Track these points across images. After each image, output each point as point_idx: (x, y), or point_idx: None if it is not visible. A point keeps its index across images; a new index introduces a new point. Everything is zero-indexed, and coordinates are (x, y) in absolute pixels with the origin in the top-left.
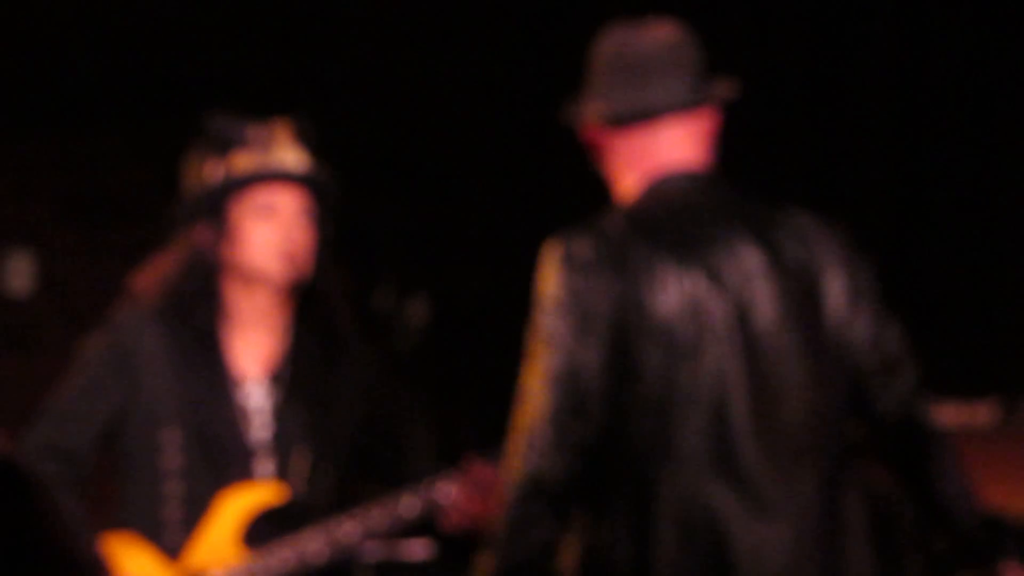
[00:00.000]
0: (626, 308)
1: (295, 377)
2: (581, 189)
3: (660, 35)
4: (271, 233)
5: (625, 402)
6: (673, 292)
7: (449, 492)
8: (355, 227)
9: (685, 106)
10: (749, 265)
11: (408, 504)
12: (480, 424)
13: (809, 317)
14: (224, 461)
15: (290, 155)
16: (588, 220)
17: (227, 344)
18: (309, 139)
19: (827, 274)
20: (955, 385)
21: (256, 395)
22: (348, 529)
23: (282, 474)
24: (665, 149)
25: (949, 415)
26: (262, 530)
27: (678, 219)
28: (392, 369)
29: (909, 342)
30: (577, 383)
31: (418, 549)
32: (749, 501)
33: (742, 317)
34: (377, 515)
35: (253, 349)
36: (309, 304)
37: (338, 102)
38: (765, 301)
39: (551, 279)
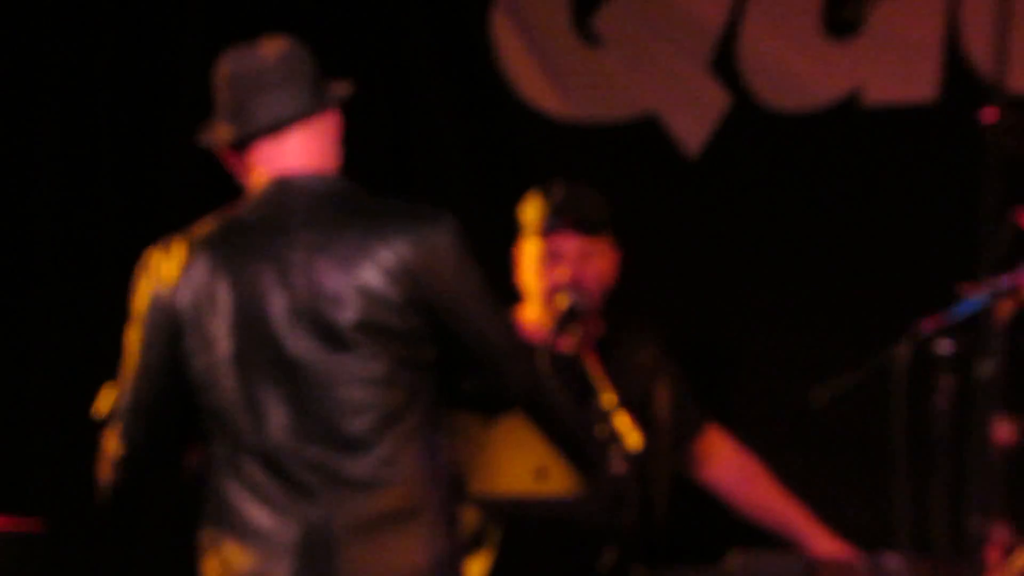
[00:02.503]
0: (194, 307)
1: None
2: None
3: (271, 51)
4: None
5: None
6: (222, 287)
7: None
8: None
9: (301, 116)
10: (289, 263)
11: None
12: None
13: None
14: None
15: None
16: (184, 229)
17: None
18: None
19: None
20: None
21: None
22: None
23: None
24: (289, 157)
25: None
26: None
27: (259, 218)
28: None
29: None
30: (147, 381)
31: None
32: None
33: (263, 307)
34: None
35: None
36: None
37: None
38: (279, 294)
39: (139, 287)
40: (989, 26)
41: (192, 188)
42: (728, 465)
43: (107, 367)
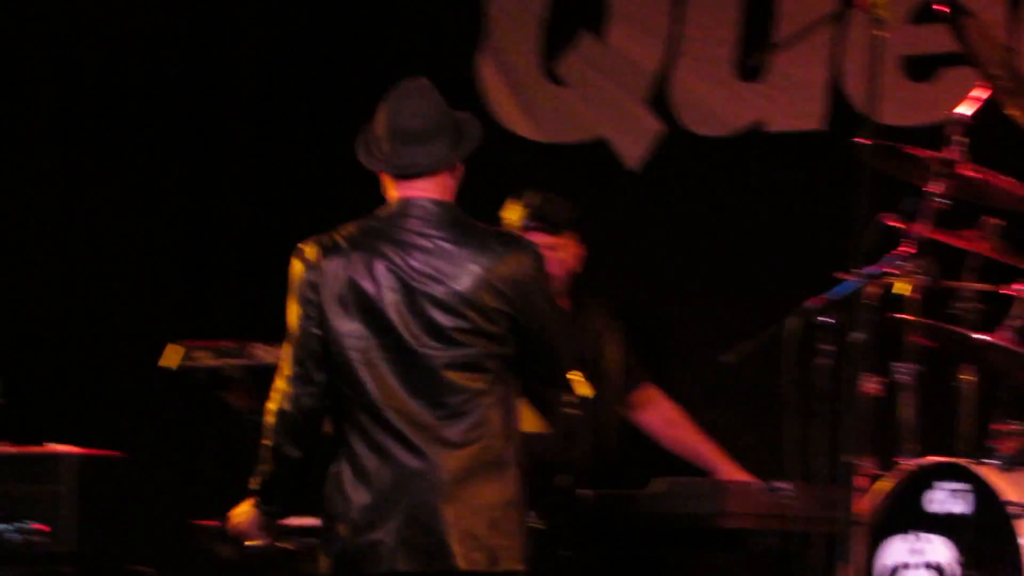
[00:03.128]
0: (326, 289)
1: None
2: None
3: (429, 108)
4: None
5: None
6: (365, 279)
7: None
8: None
9: (436, 170)
10: (413, 263)
11: None
12: None
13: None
14: None
15: None
16: (333, 227)
17: None
18: None
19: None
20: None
21: None
22: None
23: None
24: (421, 187)
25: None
26: None
27: (388, 228)
28: None
29: None
30: (306, 348)
31: None
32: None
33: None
34: None
35: None
36: None
37: None
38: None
39: (294, 272)
40: (863, 72)
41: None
42: (658, 412)
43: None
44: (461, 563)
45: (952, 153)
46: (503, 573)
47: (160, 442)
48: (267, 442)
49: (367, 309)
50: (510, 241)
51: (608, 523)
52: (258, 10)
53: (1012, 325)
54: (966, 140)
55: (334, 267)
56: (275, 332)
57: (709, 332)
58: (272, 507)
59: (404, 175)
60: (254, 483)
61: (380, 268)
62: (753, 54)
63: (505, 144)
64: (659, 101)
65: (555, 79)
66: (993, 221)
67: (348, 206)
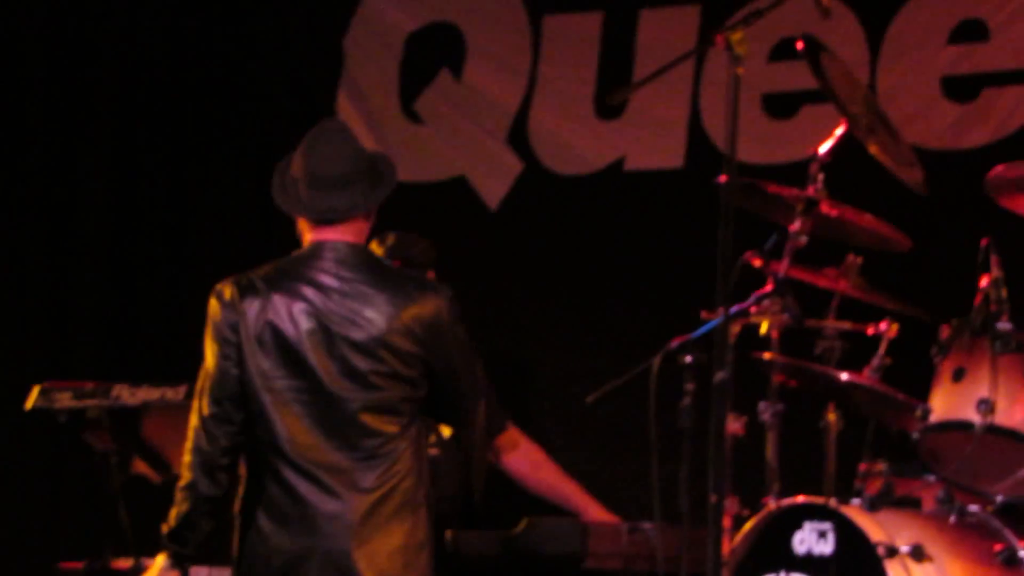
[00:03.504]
0: (245, 330)
1: None
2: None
3: (346, 155)
4: None
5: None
6: (274, 317)
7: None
8: None
9: (353, 215)
10: (315, 300)
11: None
12: None
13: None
14: None
15: None
16: (247, 269)
17: None
18: None
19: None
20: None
21: None
22: None
23: None
24: (337, 232)
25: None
26: None
27: (304, 270)
28: None
29: None
30: (224, 387)
31: None
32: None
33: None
34: None
35: None
36: None
37: None
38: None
39: (212, 311)
40: (724, 109)
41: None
42: (522, 456)
43: None
44: None
45: (814, 191)
46: None
47: (23, 484)
48: (183, 481)
49: (286, 351)
50: (423, 285)
51: (474, 562)
52: (119, 40)
53: (876, 365)
54: (825, 178)
55: (253, 308)
56: (137, 372)
57: (572, 373)
58: (186, 549)
59: (322, 221)
60: (165, 527)
61: (298, 310)
62: (613, 92)
63: None
64: (519, 139)
65: (414, 117)
66: (855, 259)
67: (204, 238)
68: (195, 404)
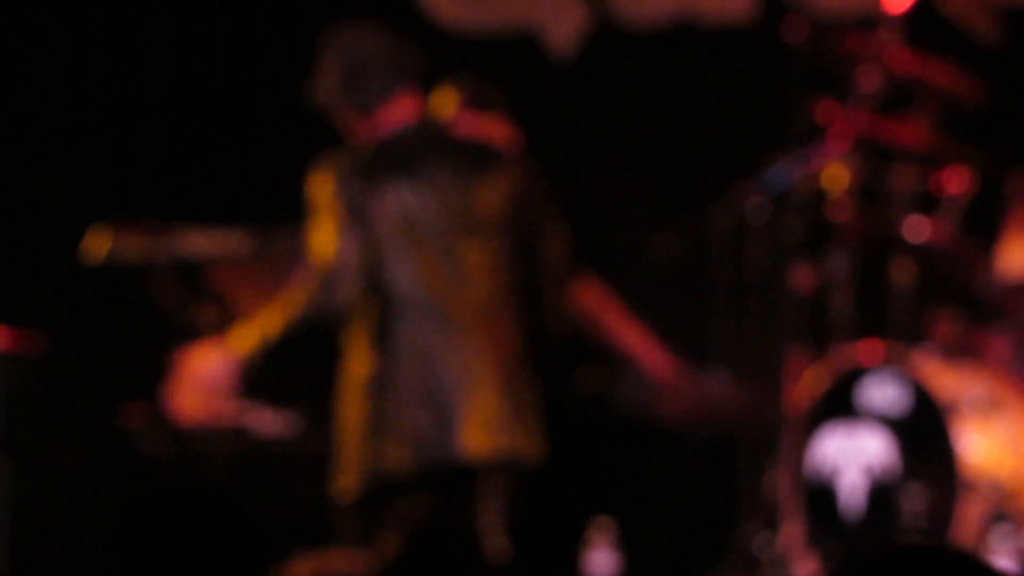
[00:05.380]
0: (371, 205)
1: None
2: None
3: (382, 39)
4: None
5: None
6: (392, 197)
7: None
8: None
9: (404, 87)
10: (439, 181)
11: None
12: None
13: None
14: None
15: None
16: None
17: None
18: None
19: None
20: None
21: None
22: None
23: None
24: (395, 116)
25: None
26: None
27: (402, 150)
28: None
29: None
30: (346, 253)
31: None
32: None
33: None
34: None
35: None
36: None
37: None
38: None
39: (325, 183)
40: None
41: None
42: (590, 299)
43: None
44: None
45: (885, 40)
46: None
47: (86, 329)
48: (293, 295)
49: (405, 220)
50: (502, 154)
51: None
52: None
53: (948, 218)
54: (900, 27)
55: (358, 181)
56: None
57: (642, 220)
58: (255, 353)
59: (379, 101)
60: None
61: (414, 183)
62: None
63: (430, 40)
64: None
65: None
66: (929, 111)
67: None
68: (309, 264)
